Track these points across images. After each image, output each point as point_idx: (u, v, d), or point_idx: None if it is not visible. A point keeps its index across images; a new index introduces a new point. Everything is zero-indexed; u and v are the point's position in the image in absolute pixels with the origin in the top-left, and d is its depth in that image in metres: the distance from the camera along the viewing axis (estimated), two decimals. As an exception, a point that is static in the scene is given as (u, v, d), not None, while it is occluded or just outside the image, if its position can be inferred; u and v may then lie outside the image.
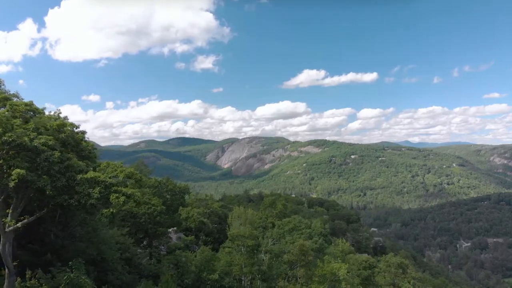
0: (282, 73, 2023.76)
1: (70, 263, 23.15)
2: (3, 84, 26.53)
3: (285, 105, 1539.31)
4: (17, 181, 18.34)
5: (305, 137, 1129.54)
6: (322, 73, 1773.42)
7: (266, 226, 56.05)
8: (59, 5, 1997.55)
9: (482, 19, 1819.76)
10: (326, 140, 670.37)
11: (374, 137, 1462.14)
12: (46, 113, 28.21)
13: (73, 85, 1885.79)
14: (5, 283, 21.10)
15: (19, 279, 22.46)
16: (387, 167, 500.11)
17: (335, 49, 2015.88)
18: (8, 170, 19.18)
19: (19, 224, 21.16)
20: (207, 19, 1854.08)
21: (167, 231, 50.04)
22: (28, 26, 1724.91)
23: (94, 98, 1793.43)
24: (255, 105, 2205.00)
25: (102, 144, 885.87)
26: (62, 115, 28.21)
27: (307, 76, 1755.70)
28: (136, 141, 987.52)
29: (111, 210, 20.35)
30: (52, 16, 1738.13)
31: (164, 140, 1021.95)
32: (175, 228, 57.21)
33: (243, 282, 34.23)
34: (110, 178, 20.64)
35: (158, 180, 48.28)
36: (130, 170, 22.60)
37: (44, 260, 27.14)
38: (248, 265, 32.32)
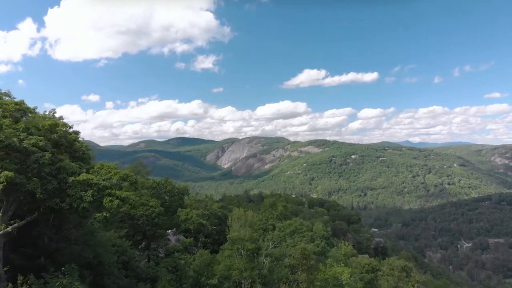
0: (282, 73, 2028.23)
1: (63, 268, 22.25)
2: None
3: (285, 105, 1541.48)
4: (5, 183, 17.51)
5: (305, 137, 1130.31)
6: (323, 73, 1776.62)
7: (267, 228, 55.17)
8: (58, 4, 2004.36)
9: (483, 19, 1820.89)
10: (326, 140, 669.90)
11: (374, 137, 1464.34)
12: (43, 113, 27.51)
13: (73, 85, 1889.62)
14: (-5, 289, 20.29)
15: (10, 285, 21.60)
16: (388, 167, 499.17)
17: (336, 49, 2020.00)
18: (-4, 172, 18.29)
19: (9, 228, 20.32)
20: (207, 19, 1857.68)
21: (166, 233, 49.23)
22: (27, 26, 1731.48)
23: (94, 98, 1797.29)
24: (255, 105, 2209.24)
25: (102, 144, 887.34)
26: (57, 115, 27.39)
27: (308, 76, 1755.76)
28: (136, 141, 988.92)
29: (104, 214, 19.43)
30: (52, 15, 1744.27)
31: (164, 140, 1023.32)
32: (174, 229, 56.43)
33: (243, 286, 33.34)
34: (103, 180, 19.76)
35: (157, 181, 47.45)
36: (125, 172, 21.69)
37: (37, 264, 26.31)
38: (248, 269, 31.40)
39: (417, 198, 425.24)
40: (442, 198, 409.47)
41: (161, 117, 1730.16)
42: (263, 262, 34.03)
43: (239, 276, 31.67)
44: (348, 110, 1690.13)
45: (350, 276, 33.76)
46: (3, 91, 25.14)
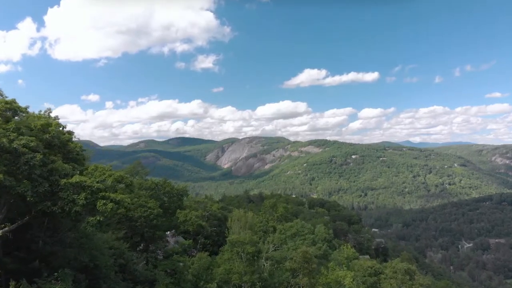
0: (282, 73, 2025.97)
1: (56, 274, 21.48)
2: None
3: (286, 105, 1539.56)
4: (-6, 186, 16.74)
5: (305, 137, 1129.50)
6: (323, 72, 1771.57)
7: (267, 230, 54.35)
8: (58, 4, 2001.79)
9: (483, 18, 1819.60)
10: (326, 140, 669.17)
11: (375, 137, 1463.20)
12: (38, 112, 26.67)
13: (73, 84, 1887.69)
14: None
15: (3, 289, 20.90)
16: (388, 167, 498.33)
17: (336, 48, 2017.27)
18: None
19: (0, 233, 19.52)
20: (208, 19, 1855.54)
21: (165, 235, 48.48)
22: (27, 25, 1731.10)
23: (93, 97, 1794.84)
24: (255, 104, 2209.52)
25: (102, 144, 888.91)
26: (53, 115, 26.58)
27: (308, 76, 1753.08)
28: (136, 141, 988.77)
29: (98, 218, 18.59)
30: (52, 15, 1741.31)
31: (163, 140, 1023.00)
32: (173, 230, 55.66)
33: (242, 290, 32.53)
34: (97, 182, 18.95)
35: (155, 182, 46.68)
36: (120, 174, 20.89)
37: (32, 268, 25.61)
38: (248, 272, 30.60)
39: (417, 198, 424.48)
40: (442, 198, 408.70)
41: (161, 117, 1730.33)
42: (264, 266, 33.23)
43: (239, 280, 30.86)
44: (348, 110, 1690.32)
45: (353, 280, 32.95)
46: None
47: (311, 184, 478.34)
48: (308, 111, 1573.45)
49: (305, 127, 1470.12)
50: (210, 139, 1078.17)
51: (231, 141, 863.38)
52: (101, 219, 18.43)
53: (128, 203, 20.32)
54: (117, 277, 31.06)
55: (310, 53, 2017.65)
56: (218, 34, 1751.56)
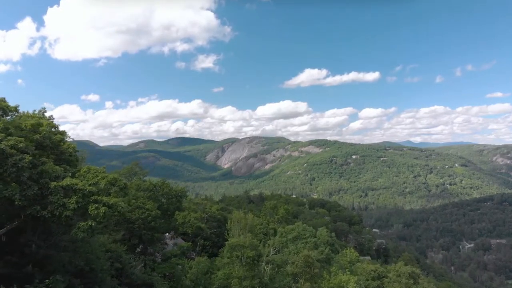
0: (283, 73, 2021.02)
1: (47, 281, 20.56)
2: None
3: (286, 105, 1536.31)
4: (-21, 189, 15.84)
5: (306, 137, 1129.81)
6: (324, 72, 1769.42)
7: (268, 232, 53.37)
8: (58, 3, 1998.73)
9: (484, 18, 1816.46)
10: (327, 140, 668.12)
11: (375, 137, 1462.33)
12: (32, 111, 25.75)
13: (72, 84, 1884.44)
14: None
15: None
16: (389, 167, 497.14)
17: (337, 48, 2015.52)
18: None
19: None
20: (208, 18, 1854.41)
21: (163, 237, 47.56)
22: (27, 25, 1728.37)
23: (93, 97, 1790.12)
24: (255, 104, 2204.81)
25: (101, 144, 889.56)
26: (47, 114, 25.67)
27: (308, 76, 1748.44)
28: (136, 141, 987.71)
29: (90, 223, 17.66)
30: (51, 15, 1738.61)
31: (163, 140, 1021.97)
32: (172, 232, 54.74)
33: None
34: (89, 185, 18.01)
35: (153, 183, 45.73)
36: (114, 176, 19.93)
37: (25, 273, 24.73)
38: (248, 277, 29.65)
39: (418, 198, 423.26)
40: (443, 198, 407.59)
41: (161, 117, 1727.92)
42: (264, 270, 32.26)
43: (238, 285, 29.91)
44: (349, 109, 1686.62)
45: (356, 285, 31.98)
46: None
47: (311, 184, 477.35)
48: (308, 111, 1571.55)
49: (305, 127, 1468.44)
50: (210, 139, 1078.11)
51: (231, 141, 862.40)
52: (92, 224, 17.45)
53: (122, 207, 19.35)
54: (113, 281, 30.27)
55: (311, 53, 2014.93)
56: (218, 33, 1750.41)
